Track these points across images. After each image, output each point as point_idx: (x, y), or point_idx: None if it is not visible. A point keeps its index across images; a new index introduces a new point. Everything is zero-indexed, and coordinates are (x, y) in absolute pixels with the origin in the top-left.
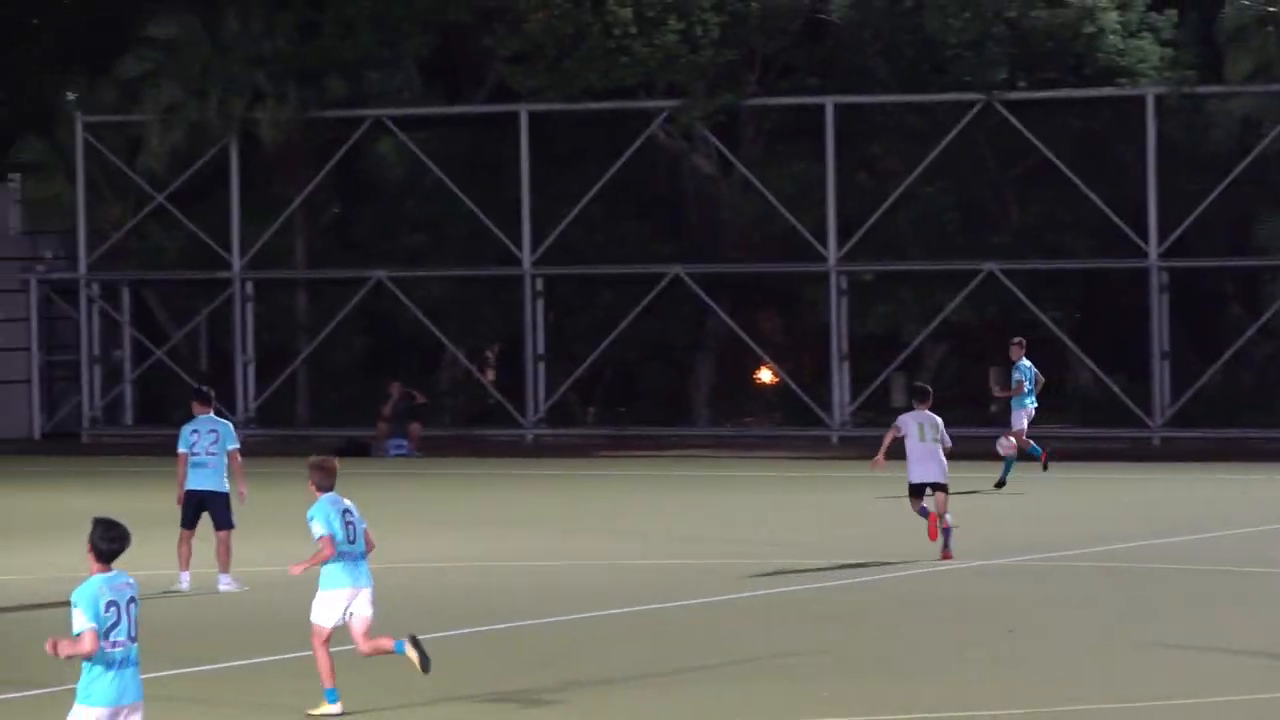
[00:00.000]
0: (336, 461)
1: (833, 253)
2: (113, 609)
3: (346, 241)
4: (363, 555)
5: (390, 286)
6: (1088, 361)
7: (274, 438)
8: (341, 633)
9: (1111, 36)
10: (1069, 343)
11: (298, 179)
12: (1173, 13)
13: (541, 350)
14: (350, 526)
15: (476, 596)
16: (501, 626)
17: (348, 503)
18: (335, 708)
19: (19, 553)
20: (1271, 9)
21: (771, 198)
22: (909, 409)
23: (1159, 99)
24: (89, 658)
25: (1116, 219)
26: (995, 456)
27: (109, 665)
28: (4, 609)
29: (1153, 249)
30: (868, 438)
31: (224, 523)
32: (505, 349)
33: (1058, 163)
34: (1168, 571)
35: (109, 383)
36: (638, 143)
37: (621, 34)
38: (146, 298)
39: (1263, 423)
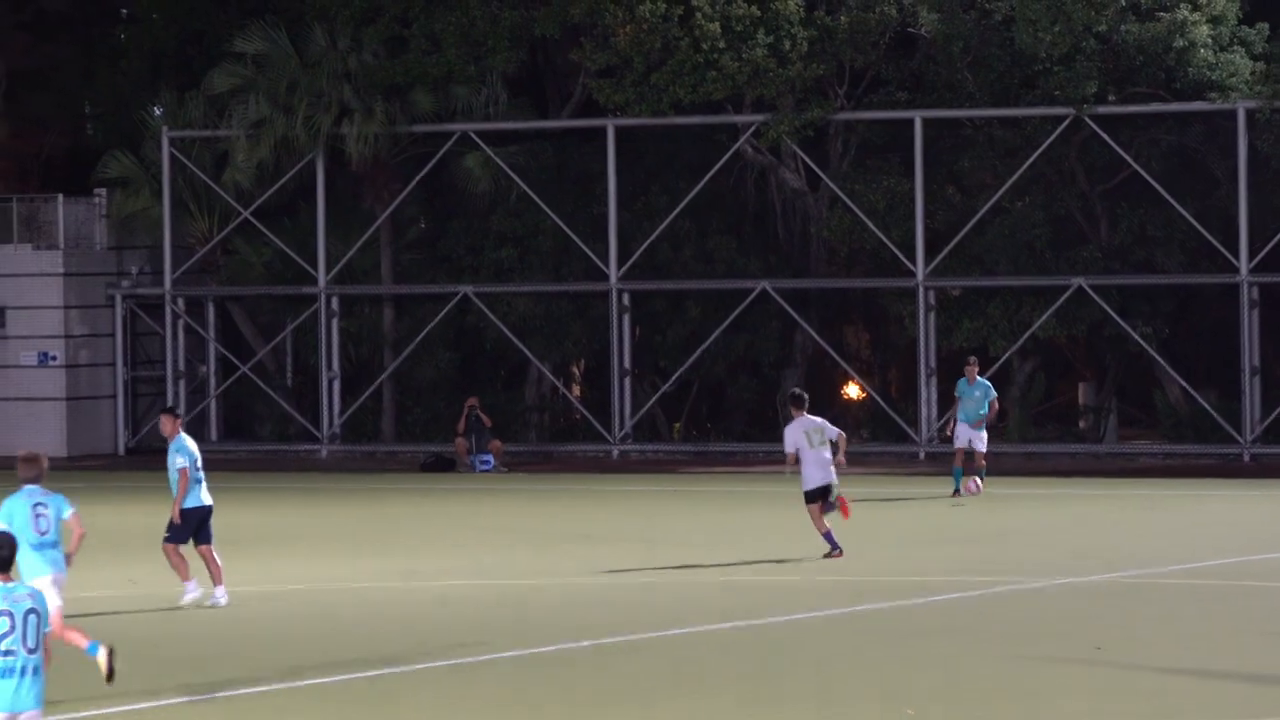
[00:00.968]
0: (44, 457)
1: (921, 268)
2: (5, 618)
3: (432, 256)
4: (54, 544)
5: (476, 301)
6: (1177, 377)
7: (358, 454)
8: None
9: (1203, 51)
10: (1158, 358)
11: (384, 194)
12: (1264, 26)
13: (628, 366)
14: (41, 518)
15: (572, 610)
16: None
17: (44, 495)
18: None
19: (101, 567)
20: None
21: (859, 212)
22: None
23: (1250, 113)
24: None
25: (1206, 234)
26: (1084, 473)
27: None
28: (88, 624)
29: (1243, 264)
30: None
31: (210, 537)
32: (591, 364)
33: (1148, 177)
34: (1258, 589)
35: (194, 398)
36: (725, 157)
37: (709, 48)
38: (232, 313)
39: None
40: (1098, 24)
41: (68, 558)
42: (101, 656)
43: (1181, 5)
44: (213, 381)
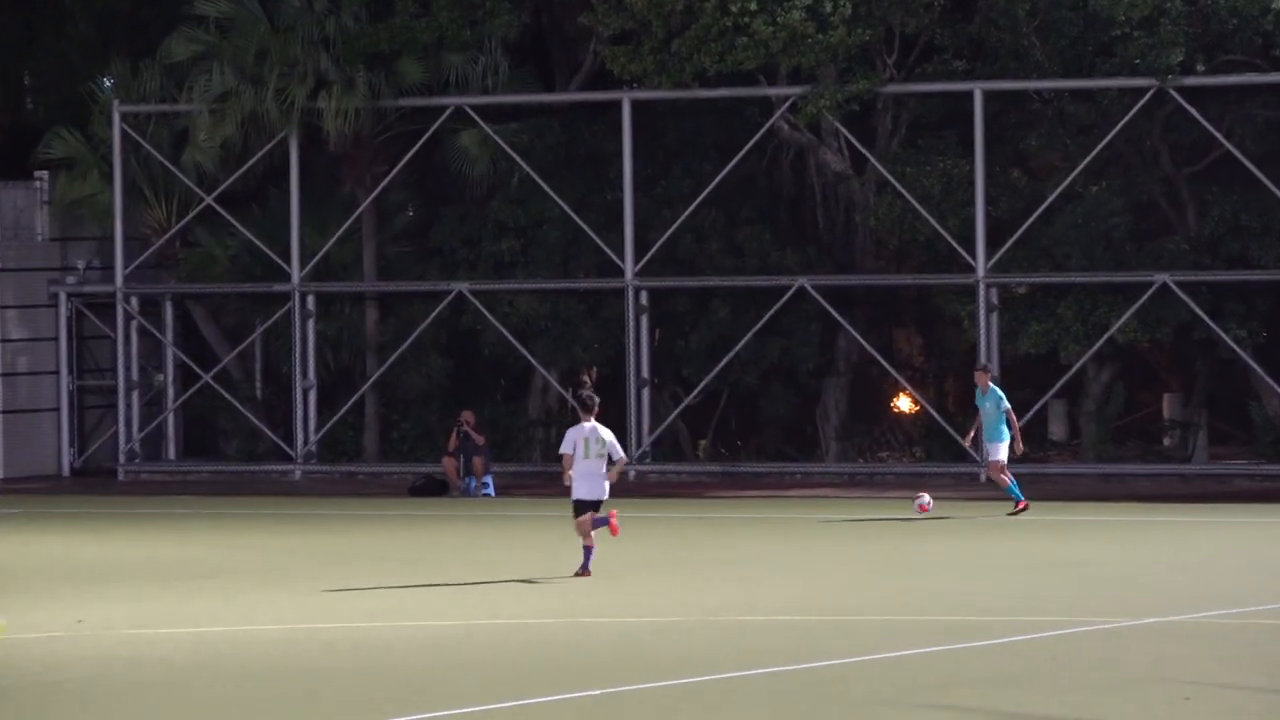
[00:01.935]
0: None
1: (981, 262)
2: None
3: (422, 249)
4: None
5: (472, 300)
6: (1276, 387)
7: (337, 475)
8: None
9: None
10: (1255, 366)
11: (366, 178)
12: None
13: (646, 374)
14: None
15: (588, 654)
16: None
17: None
18: None
19: (42, 607)
20: None
21: (910, 198)
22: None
23: None
24: None
25: None
26: (1168, 498)
27: None
28: (22, 669)
29: None
30: (1021, 476)
31: None
32: (604, 373)
33: (1242, 158)
34: None
35: (149, 411)
36: (757, 136)
37: (739, 10)
38: (193, 314)
39: None
40: None
41: None
42: None
43: None
44: (170, 392)
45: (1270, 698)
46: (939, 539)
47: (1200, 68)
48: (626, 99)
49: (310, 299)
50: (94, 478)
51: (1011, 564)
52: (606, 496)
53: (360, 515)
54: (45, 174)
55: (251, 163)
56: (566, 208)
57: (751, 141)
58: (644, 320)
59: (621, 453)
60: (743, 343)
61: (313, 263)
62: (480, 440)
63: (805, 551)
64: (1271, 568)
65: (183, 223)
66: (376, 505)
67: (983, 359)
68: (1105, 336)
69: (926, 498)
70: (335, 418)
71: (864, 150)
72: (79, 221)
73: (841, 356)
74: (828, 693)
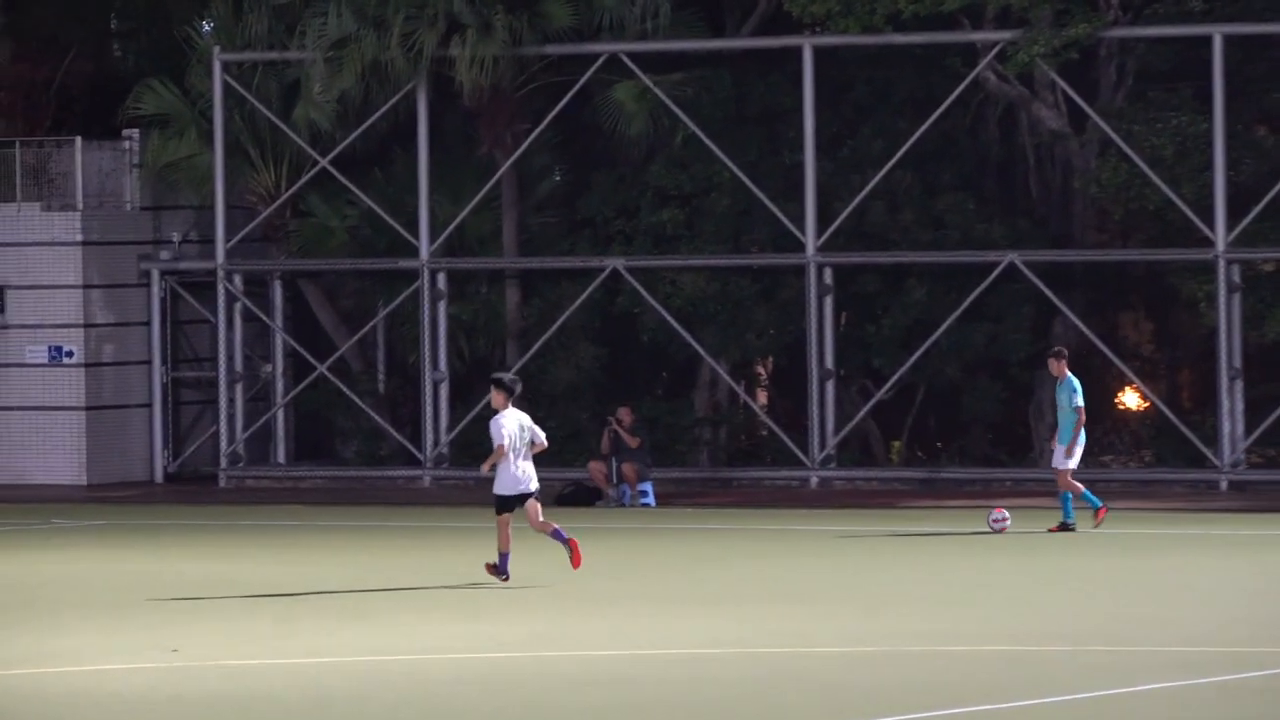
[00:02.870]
0: None
1: (1221, 235)
2: None
3: (571, 220)
4: None
5: (629, 280)
6: None
7: (473, 482)
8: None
9: None
10: None
11: (506, 137)
12: None
13: (830, 365)
14: None
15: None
16: None
17: None
18: None
19: (129, 632)
20: None
21: (1139, 161)
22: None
23: None
24: None
25: None
26: None
27: None
28: (105, 705)
29: None
30: (1268, 484)
31: None
32: (782, 363)
33: None
34: None
35: (255, 406)
36: (959, 89)
37: None
38: (305, 295)
39: None
40: None
41: None
42: None
43: None
44: (279, 386)
45: None
46: (1172, 554)
47: None
48: (808, 45)
49: (441, 277)
50: (191, 484)
51: (1247, 585)
52: (536, 487)
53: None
54: (135, 133)
55: (373, 119)
56: (738, 172)
57: (953, 95)
58: (828, 302)
59: (543, 436)
60: (943, 329)
61: (444, 235)
62: (634, 443)
63: (1018, 570)
64: None
65: (293, 189)
66: (518, 516)
67: (1224, 348)
68: None
69: (1003, 513)
70: (471, 415)
71: (1084, 105)
72: (174, 188)
73: (1057, 345)
74: None
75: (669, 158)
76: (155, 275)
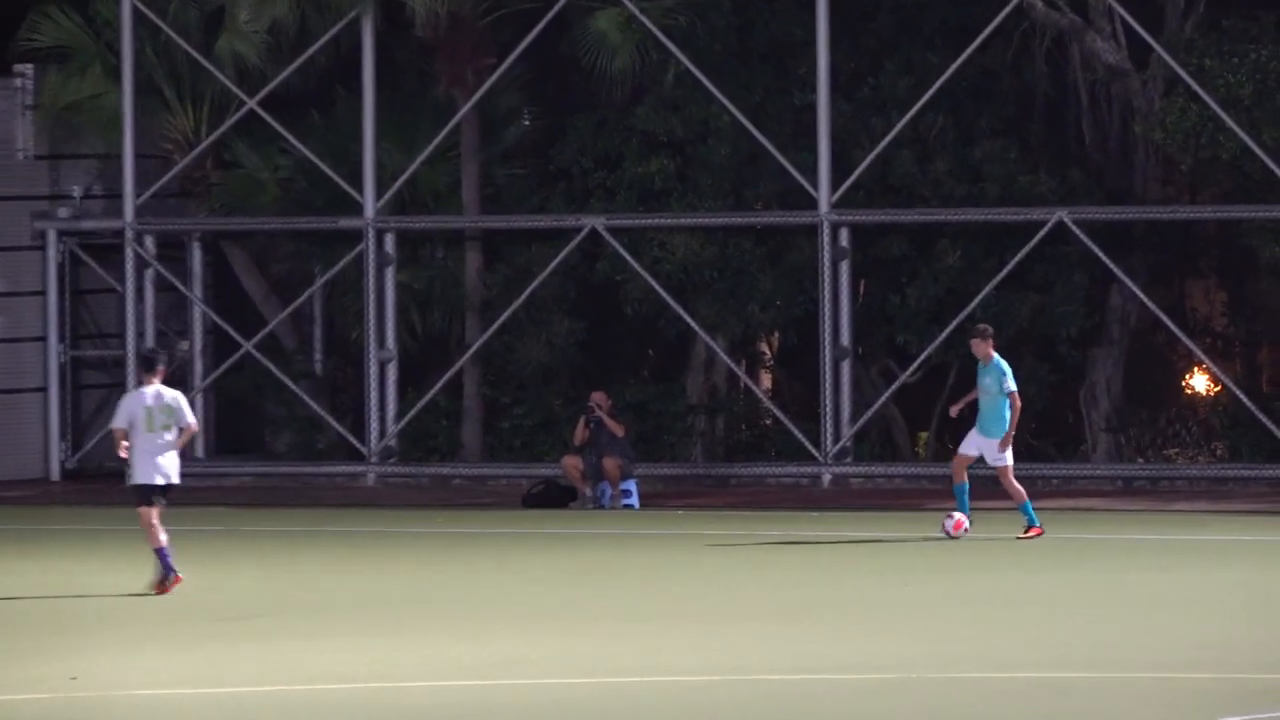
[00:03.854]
0: None
1: None
2: None
3: (543, 172)
4: None
5: (611, 242)
6: None
7: (426, 480)
8: None
9: None
10: None
11: (467, 74)
12: None
13: (846, 342)
14: None
15: None
16: None
17: None
18: None
19: (22, 660)
20: None
21: (1211, 102)
22: None
23: None
24: None
25: None
26: None
27: None
28: None
29: None
30: None
31: None
32: (790, 341)
33: None
34: None
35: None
36: (1000, 16)
37: None
38: (231, 260)
39: None
40: None
41: None
42: None
43: None
44: (199, 367)
45: None
46: (1244, 567)
47: None
48: None
49: (389, 239)
50: (94, 482)
51: None
52: (178, 479)
53: (456, 534)
54: (29, 69)
55: (310, 53)
56: (740, 115)
57: (993, 24)
58: (844, 269)
59: (192, 418)
60: (979, 299)
61: (393, 189)
62: (620, 431)
63: (1069, 584)
64: None
65: (216, 135)
66: (478, 520)
67: None
68: None
69: (959, 515)
70: (424, 401)
71: (1146, 36)
72: (75, 134)
73: (1115, 318)
74: None
75: (658, 98)
76: (52, 236)
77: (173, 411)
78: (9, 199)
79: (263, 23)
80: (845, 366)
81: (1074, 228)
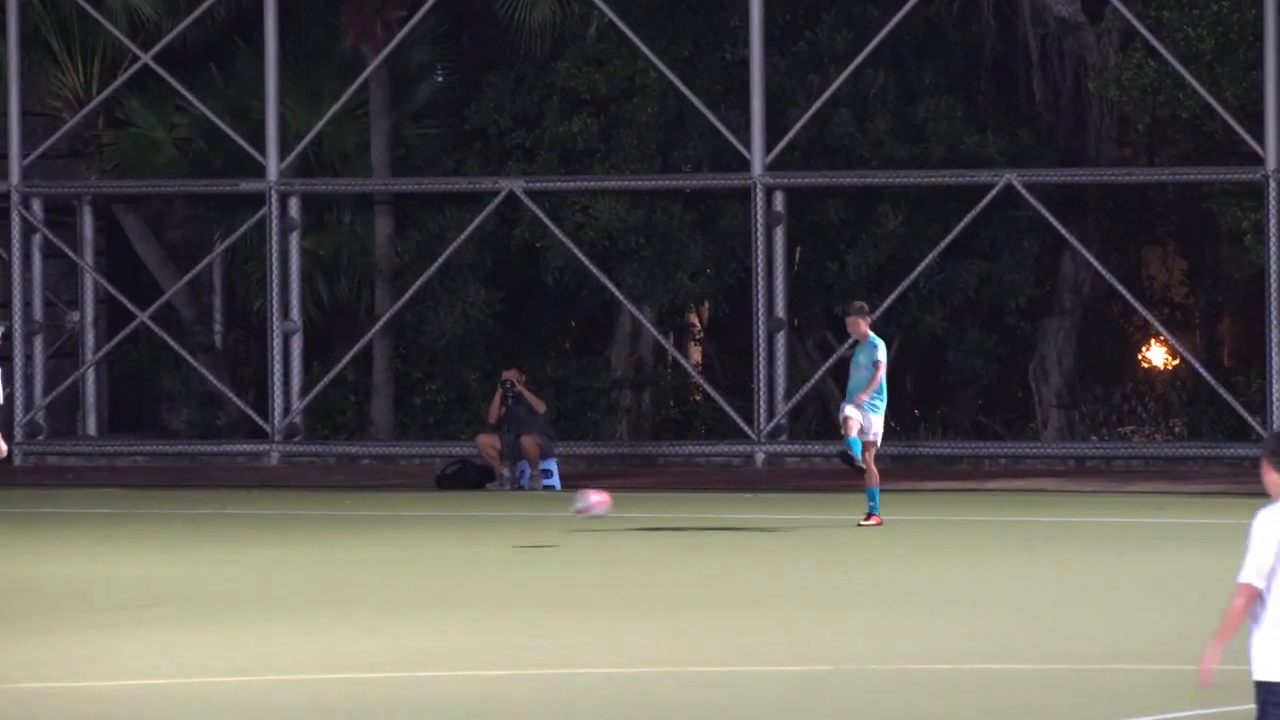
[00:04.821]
0: None
1: (1272, 150)
2: None
3: (457, 132)
4: None
5: (531, 206)
6: None
7: (333, 459)
8: None
9: None
10: None
11: (376, 27)
12: None
13: (781, 313)
14: None
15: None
16: None
17: None
18: None
19: None
20: None
21: (1170, 58)
22: None
23: None
24: None
25: None
26: None
27: None
28: None
29: None
30: None
31: None
32: (721, 312)
33: None
34: None
35: (59, 367)
36: None
37: None
38: (124, 225)
39: None
40: None
41: None
42: None
43: None
44: (90, 339)
45: None
46: (1204, 552)
47: None
48: None
49: (294, 203)
50: None
51: None
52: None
53: (364, 517)
54: None
55: (208, 4)
56: (667, 71)
57: None
58: (779, 234)
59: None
60: (922, 267)
61: (298, 150)
62: (541, 407)
63: (1019, 570)
64: None
65: (108, 92)
66: (388, 503)
67: (1274, 291)
68: None
69: (595, 497)
70: (330, 376)
71: None
72: None
73: (1067, 287)
74: None
75: (580, 53)
76: None
77: None
78: None
79: None
80: (780, 339)
81: (1023, 191)
